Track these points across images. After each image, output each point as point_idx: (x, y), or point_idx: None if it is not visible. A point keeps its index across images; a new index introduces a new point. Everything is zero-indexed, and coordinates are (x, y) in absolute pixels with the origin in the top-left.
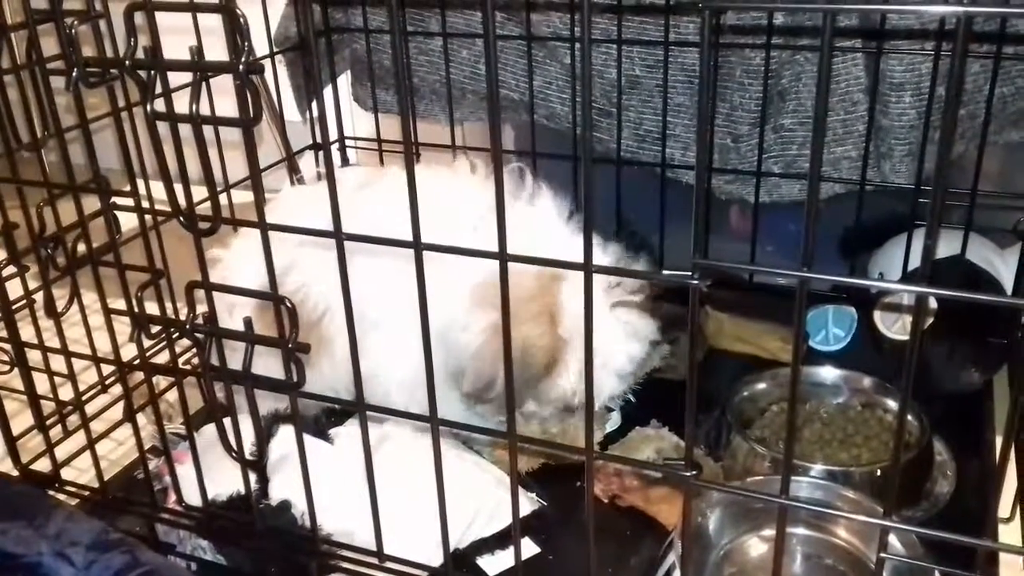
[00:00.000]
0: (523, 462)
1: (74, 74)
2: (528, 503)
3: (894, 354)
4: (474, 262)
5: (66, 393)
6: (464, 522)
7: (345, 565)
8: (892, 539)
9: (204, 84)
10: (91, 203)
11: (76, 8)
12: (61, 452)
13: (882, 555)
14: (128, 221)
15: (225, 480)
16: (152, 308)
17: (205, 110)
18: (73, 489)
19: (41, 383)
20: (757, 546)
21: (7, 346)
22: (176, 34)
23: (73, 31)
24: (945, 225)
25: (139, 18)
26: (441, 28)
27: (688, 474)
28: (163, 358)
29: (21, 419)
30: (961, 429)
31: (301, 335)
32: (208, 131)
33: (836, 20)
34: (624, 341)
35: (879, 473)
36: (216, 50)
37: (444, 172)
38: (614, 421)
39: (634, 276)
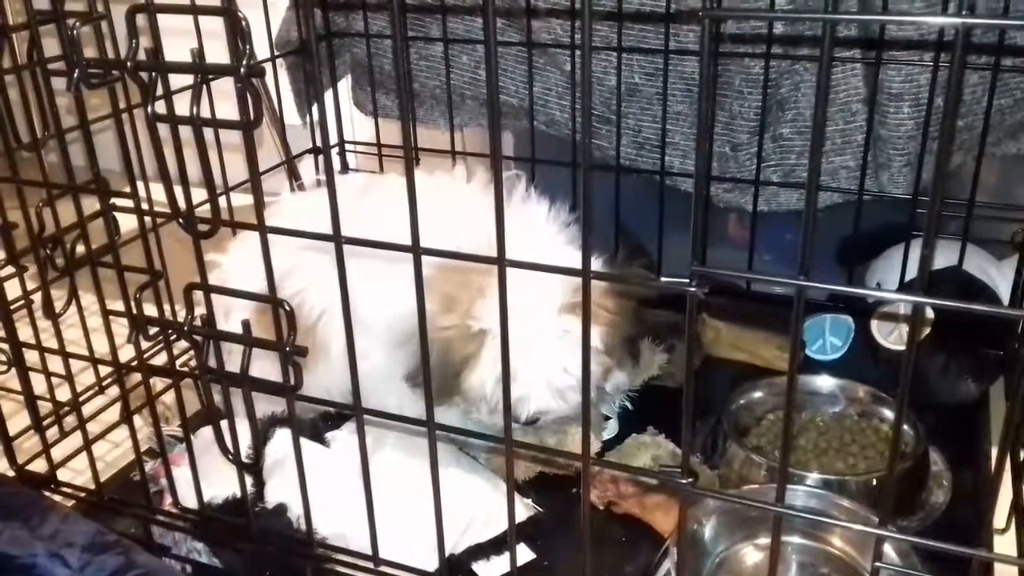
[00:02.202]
0: (520, 472)
1: (75, 75)
2: (524, 509)
3: (890, 364)
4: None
5: (63, 394)
6: (460, 527)
7: (340, 569)
8: (887, 548)
9: (205, 86)
10: (90, 204)
11: (78, 9)
12: (57, 453)
13: (877, 564)
14: (127, 222)
15: (221, 483)
16: (150, 310)
17: (206, 112)
18: (69, 490)
19: (38, 384)
20: (752, 554)
21: (5, 346)
22: (177, 36)
23: (75, 32)
24: (942, 236)
25: (141, 20)
26: (442, 33)
27: (684, 481)
28: (161, 360)
29: (18, 419)
30: (957, 439)
31: (298, 339)
32: (208, 133)
33: (835, 30)
34: (563, 351)
35: (875, 482)
36: (217, 53)
37: (443, 178)
38: (611, 429)
39: (631, 282)
